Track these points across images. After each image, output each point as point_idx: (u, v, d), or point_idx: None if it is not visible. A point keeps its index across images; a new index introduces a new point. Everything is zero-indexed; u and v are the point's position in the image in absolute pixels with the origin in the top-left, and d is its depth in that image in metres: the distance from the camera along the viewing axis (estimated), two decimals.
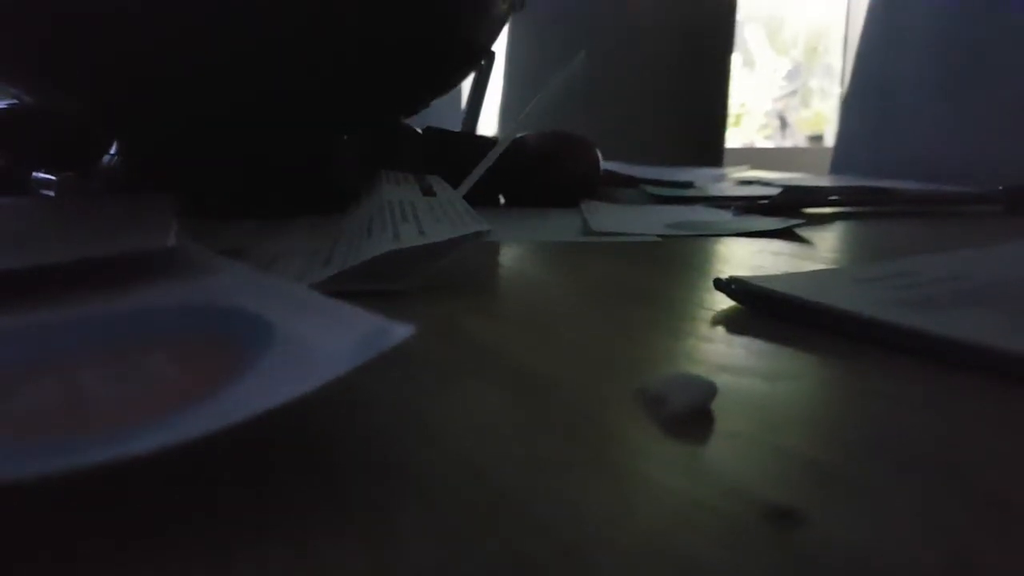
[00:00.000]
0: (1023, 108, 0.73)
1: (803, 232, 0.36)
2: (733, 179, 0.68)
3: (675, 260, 0.28)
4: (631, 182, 0.58)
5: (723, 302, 0.21)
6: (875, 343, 0.17)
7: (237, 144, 0.40)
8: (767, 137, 2.40)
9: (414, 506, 0.10)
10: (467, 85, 0.52)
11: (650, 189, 0.54)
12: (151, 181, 0.39)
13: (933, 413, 0.13)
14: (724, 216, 0.41)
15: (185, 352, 0.13)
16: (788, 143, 2.38)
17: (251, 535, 0.09)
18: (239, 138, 0.40)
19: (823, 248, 0.31)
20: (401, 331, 0.12)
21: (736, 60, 1.24)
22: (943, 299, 0.19)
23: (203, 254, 0.20)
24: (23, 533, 0.09)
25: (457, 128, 0.51)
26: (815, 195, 0.47)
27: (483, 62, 0.49)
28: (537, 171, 0.46)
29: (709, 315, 0.20)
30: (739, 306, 0.21)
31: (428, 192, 0.29)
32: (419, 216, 0.25)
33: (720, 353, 0.17)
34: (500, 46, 0.78)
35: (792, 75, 2.38)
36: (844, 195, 0.47)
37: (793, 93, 2.39)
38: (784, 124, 2.37)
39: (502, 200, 0.48)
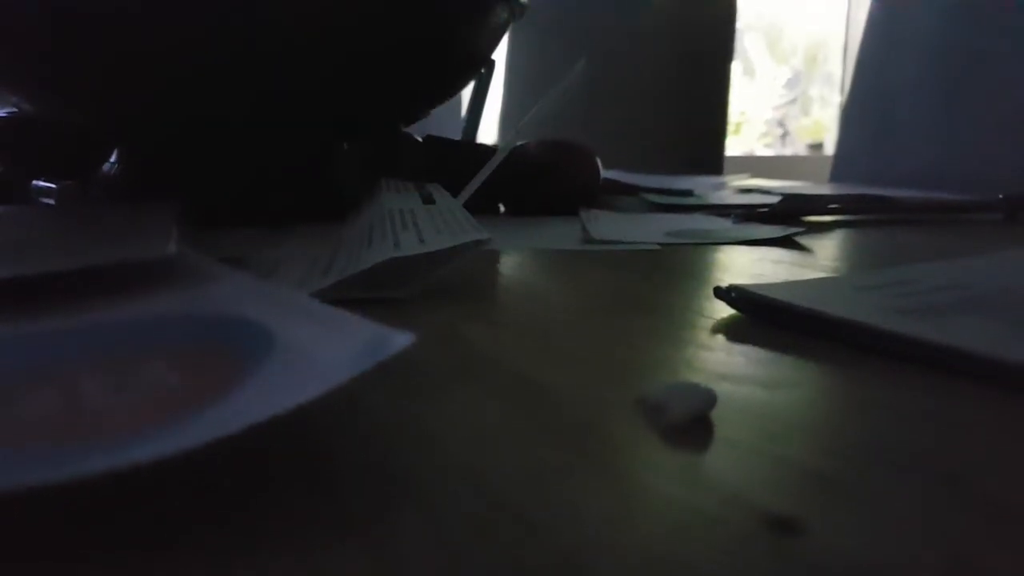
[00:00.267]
0: (1022, 117, 0.73)
1: (803, 240, 0.36)
2: (733, 187, 0.68)
3: (675, 268, 0.28)
4: (631, 190, 0.58)
5: (723, 310, 0.21)
6: (875, 351, 0.17)
7: (238, 152, 0.40)
8: (767, 145, 2.40)
9: (414, 513, 0.10)
10: (467, 93, 0.53)
11: (650, 197, 0.54)
12: (151, 189, 0.39)
13: (933, 421, 0.13)
14: (724, 224, 0.41)
15: (185, 360, 0.13)
16: (788, 151, 2.38)
17: (251, 542, 0.09)
18: (240, 147, 0.40)
19: (823, 256, 0.31)
20: (401, 339, 0.12)
21: (736, 68, 1.24)
22: (943, 307, 0.19)
23: (203, 262, 0.20)
24: (24, 541, 0.09)
25: (457, 136, 0.52)
26: (815, 203, 0.47)
27: (483, 70, 0.49)
28: (537, 179, 0.46)
29: (709, 323, 0.20)
30: (739, 314, 0.21)
31: (428, 200, 0.29)
32: (419, 224, 0.25)
33: (720, 361, 0.17)
34: (500, 54, 0.78)
35: (792, 83, 2.39)
36: (844, 203, 0.47)
37: (793, 101, 2.40)
38: (784, 132, 2.38)
39: (502, 208, 0.48)
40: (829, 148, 2.27)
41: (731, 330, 0.19)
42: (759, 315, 0.20)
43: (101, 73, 0.34)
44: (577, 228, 0.39)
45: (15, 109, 0.44)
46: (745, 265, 0.29)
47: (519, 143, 0.47)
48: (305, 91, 0.36)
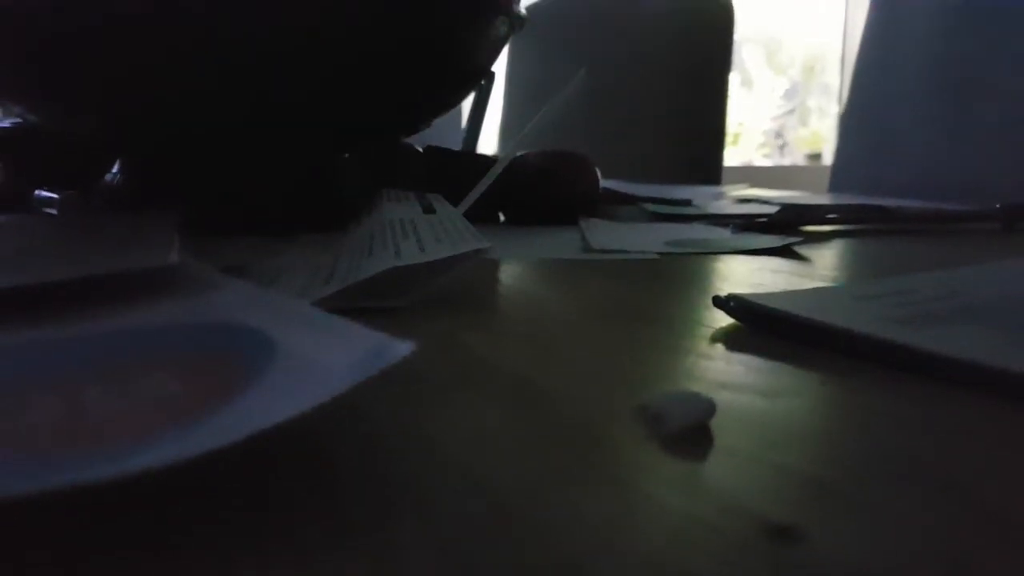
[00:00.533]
0: (1019, 126, 0.73)
1: (801, 250, 0.36)
2: (732, 197, 0.68)
3: (674, 278, 0.28)
4: (630, 200, 0.58)
5: (722, 319, 0.21)
6: (873, 360, 0.17)
7: (240, 162, 0.40)
8: (765, 156, 2.41)
9: (415, 518, 0.10)
10: (468, 104, 0.53)
11: (649, 207, 0.54)
12: (153, 198, 0.39)
13: (931, 429, 0.13)
14: (723, 234, 0.41)
15: (188, 369, 0.13)
16: (786, 161, 2.39)
17: (253, 547, 0.09)
18: (242, 156, 0.40)
19: (821, 266, 0.32)
20: (402, 348, 0.12)
21: (734, 79, 1.25)
22: (941, 317, 0.19)
23: (205, 271, 0.20)
24: (28, 546, 0.09)
25: (458, 147, 0.52)
26: (813, 213, 0.47)
27: (483, 82, 0.49)
28: (537, 189, 0.47)
29: (708, 332, 0.20)
30: (738, 323, 0.21)
31: (429, 210, 0.29)
32: (420, 234, 0.25)
33: (719, 370, 0.17)
34: (500, 66, 0.79)
35: (790, 94, 2.40)
36: (842, 213, 0.47)
37: (791, 112, 2.40)
38: (783, 143, 2.38)
39: (502, 218, 0.49)
40: (827, 158, 2.27)
41: (730, 339, 0.19)
42: (758, 324, 0.20)
43: (103, 83, 0.34)
44: (577, 237, 0.39)
45: (18, 119, 0.44)
46: (744, 274, 0.29)
47: (519, 153, 0.47)
48: (306, 101, 0.37)
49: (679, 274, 0.29)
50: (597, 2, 1.23)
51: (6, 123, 0.44)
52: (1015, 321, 0.19)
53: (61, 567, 0.09)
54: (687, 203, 0.58)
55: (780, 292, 0.22)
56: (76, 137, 0.44)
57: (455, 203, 0.31)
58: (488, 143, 1.46)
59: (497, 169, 0.32)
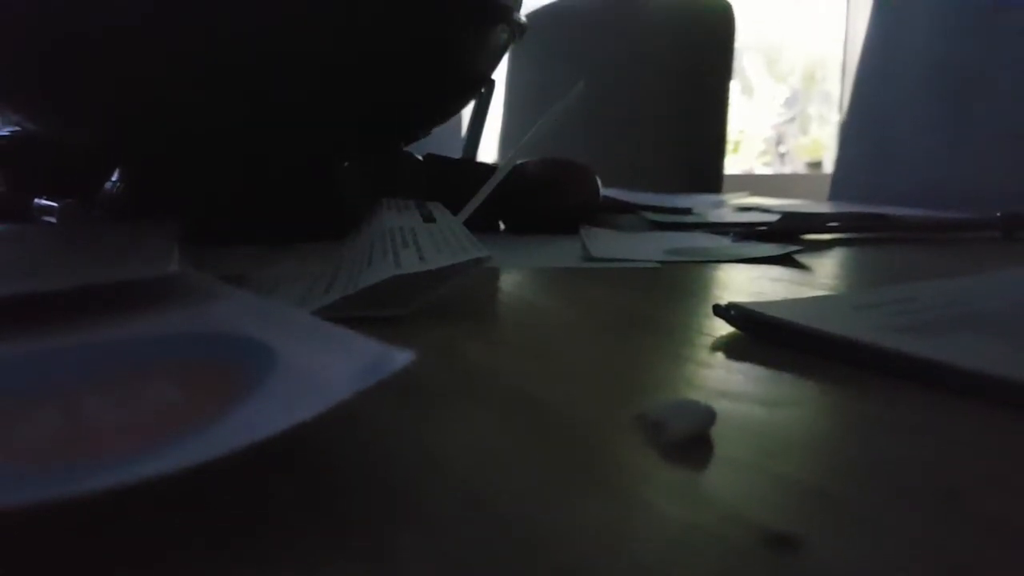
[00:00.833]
0: (1019, 135, 0.73)
1: (802, 258, 0.36)
2: (732, 205, 0.68)
3: (674, 286, 0.28)
4: (630, 208, 0.58)
5: (722, 328, 0.21)
6: (874, 369, 0.17)
7: (239, 171, 0.40)
8: (766, 164, 2.41)
9: (414, 529, 0.10)
10: (468, 112, 0.53)
11: (649, 215, 0.54)
12: (152, 207, 0.39)
13: (932, 439, 0.13)
14: (723, 242, 0.41)
15: (187, 378, 0.13)
16: (787, 169, 2.39)
17: (251, 558, 0.09)
18: (241, 165, 0.40)
19: (822, 274, 0.32)
20: (402, 357, 0.12)
21: (734, 87, 1.25)
22: (941, 325, 0.19)
23: (205, 280, 0.20)
24: (27, 558, 0.09)
25: (458, 155, 0.52)
26: (813, 221, 0.47)
27: (483, 90, 0.49)
28: (537, 198, 0.47)
29: (708, 341, 0.20)
30: (738, 332, 0.21)
31: (429, 219, 0.29)
32: (420, 242, 0.25)
33: (719, 379, 0.17)
34: (500, 74, 0.79)
35: (790, 102, 2.40)
36: (842, 221, 0.47)
37: (791, 120, 2.41)
38: (783, 151, 2.39)
39: (502, 226, 0.49)
40: (828, 166, 2.28)
41: (730, 348, 0.19)
42: (758, 333, 0.20)
43: (101, 87, 0.34)
44: (577, 246, 0.39)
45: (17, 128, 0.44)
46: (744, 283, 0.29)
47: (519, 161, 0.47)
48: (305, 109, 0.37)
49: (679, 283, 0.29)
50: (597, 9, 1.23)
51: (5, 131, 0.44)
52: (1015, 329, 0.19)
53: (54, 575, 0.09)
54: (687, 212, 0.58)
55: (780, 301, 0.22)
56: (75, 146, 0.44)
57: (455, 211, 0.31)
58: (488, 151, 1.46)
59: (497, 178, 0.32)
